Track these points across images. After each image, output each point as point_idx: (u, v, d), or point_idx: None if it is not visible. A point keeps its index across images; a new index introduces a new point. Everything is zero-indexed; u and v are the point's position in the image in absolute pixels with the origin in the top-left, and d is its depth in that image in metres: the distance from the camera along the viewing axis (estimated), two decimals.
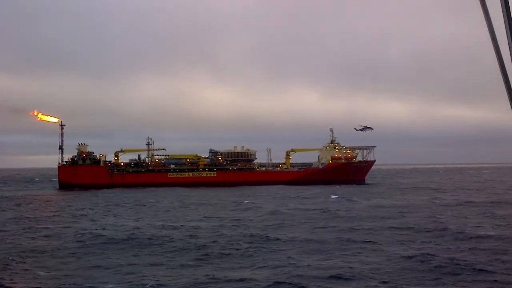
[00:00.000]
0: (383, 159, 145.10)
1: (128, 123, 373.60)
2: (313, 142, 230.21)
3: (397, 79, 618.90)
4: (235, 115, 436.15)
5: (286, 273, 27.60)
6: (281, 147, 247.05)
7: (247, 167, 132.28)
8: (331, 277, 27.00)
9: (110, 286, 25.89)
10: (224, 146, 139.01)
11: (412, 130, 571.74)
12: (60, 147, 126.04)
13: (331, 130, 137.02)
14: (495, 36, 5.23)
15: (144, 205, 72.78)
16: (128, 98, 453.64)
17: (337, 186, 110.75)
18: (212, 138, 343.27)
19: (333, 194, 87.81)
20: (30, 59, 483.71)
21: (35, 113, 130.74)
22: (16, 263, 31.19)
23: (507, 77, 5.17)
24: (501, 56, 5.16)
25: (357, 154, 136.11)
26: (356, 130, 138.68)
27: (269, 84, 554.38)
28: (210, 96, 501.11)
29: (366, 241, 38.15)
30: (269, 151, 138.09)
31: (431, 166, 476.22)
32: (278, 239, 39.49)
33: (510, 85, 5.16)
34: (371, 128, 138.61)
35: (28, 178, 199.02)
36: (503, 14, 4.95)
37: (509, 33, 4.95)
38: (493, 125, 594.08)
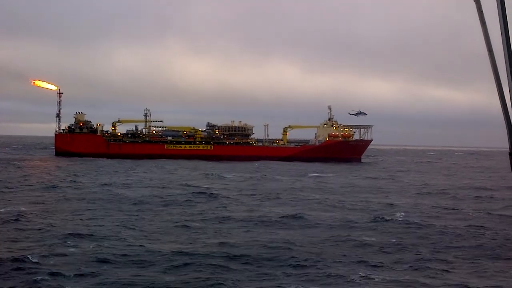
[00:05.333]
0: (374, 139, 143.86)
1: (107, 94, 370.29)
2: (305, 119, 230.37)
3: (376, 56, 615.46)
4: (220, 89, 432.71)
5: None
6: (271, 123, 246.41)
7: (244, 141, 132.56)
8: None
9: None
10: (212, 121, 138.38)
11: (399, 111, 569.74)
12: (58, 115, 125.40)
13: (329, 107, 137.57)
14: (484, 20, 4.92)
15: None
16: (102, 67, 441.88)
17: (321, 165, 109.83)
18: (201, 112, 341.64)
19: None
20: None
21: (33, 81, 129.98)
22: None
23: (496, 67, 4.94)
24: (490, 41, 4.91)
25: (354, 132, 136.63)
26: (350, 114, 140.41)
27: (247, 58, 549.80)
28: (191, 68, 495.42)
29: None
30: (266, 126, 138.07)
31: (423, 148, 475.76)
32: None
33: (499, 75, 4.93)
34: (365, 114, 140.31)
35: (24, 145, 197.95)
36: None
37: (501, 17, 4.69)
38: (482, 108, 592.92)
